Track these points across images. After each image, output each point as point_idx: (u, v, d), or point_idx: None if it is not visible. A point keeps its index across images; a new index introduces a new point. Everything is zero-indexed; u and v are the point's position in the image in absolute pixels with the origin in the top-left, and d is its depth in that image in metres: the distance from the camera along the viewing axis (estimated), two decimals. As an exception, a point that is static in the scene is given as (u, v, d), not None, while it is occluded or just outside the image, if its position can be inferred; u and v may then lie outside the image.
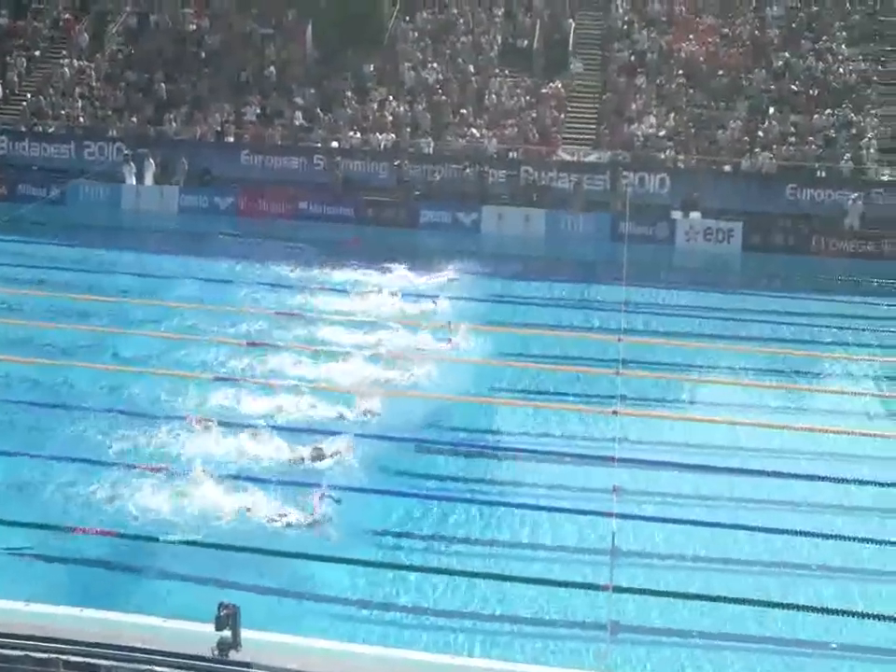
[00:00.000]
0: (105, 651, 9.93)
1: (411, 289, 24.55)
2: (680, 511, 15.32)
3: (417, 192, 32.07)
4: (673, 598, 13.20)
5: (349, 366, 19.50)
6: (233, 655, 9.94)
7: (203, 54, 37.08)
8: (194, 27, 38.12)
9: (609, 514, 13.93)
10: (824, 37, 35.72)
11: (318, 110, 34.57)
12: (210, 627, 10.00)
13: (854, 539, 14.63)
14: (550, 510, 15.07)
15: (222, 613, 9.94)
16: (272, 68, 36.02)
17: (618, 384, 18.71)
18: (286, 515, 14.02)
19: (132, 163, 32.61)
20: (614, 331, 21.89)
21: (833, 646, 12.58)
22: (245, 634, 10.11)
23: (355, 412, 17.59)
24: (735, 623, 12.85)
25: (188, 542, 13.43)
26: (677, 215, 30.43)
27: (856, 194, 30.42)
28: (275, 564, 13.30)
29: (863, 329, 23.88)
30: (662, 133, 33.05)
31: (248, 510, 14.13)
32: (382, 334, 21.27)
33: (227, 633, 9.96)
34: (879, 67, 34.70)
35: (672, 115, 33.55)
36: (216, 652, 9.92)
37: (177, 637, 10.26)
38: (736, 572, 13.96)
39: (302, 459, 15.70)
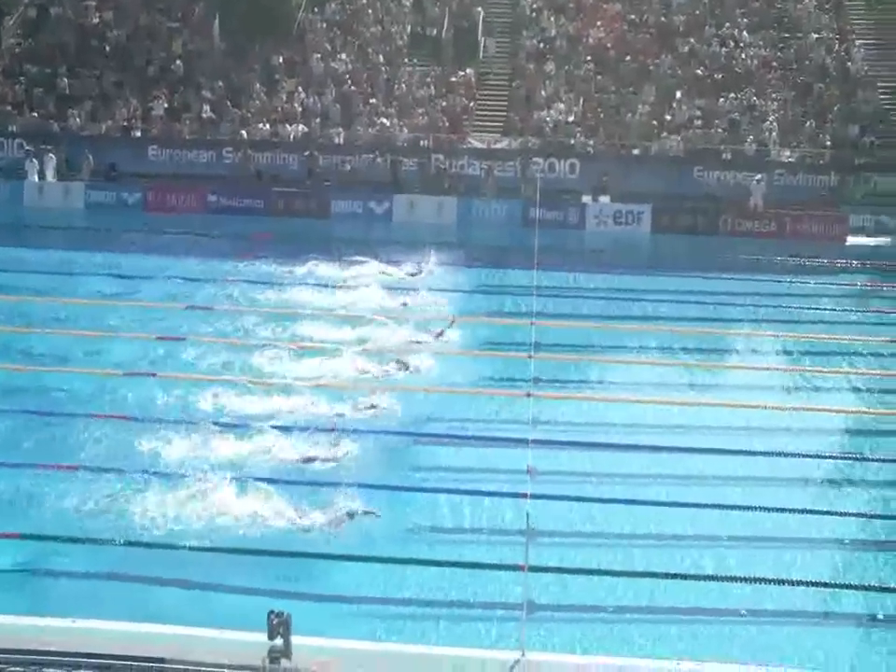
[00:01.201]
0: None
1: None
2: (594, 489, 15.51)
3: (328, 182, 31.95)
4: (589, 575, 13.38)
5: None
6: (285, 664, 9.70)
7: (108, 48, 36.39)
8: (97, 20, 37.35)
9: (524, 495, 13.97)
10: (727, 24, 36.42)
11: (227, 103, 34.19)
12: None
13: (760, 509, 14.97)
14: (466, 493, 15.12)
15: (274, 622, 9.71)
16: (178, 62, 35.50)
17: (531, 367, 18.90)
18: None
19: (34, 160, 31.90)
20: (526, 315, 22.11)
21: (743, 612, 12.87)
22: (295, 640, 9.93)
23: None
24: (650, 596, 13.06)
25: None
26: (587, 199, 30.78)
27: (759, 175, 31.09)
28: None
29: (769, 306, 24.42)
30: (571, 119, 33.39)
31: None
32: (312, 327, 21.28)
33: (279, 641, 9.72)
34: (778, 53, 35.50)
35: (581, 101, 33.89)
36: (267, 662, 9.68)
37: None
38: (652, 546, 14.17)
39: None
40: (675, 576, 13.37)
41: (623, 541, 14.26)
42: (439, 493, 15.15)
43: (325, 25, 36.89)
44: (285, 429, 16.42)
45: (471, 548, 13.89)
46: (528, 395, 18.07)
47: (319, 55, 35.58)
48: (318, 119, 33.62)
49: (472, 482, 15.58)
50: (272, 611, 9.86)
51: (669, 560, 13.75)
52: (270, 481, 14.65)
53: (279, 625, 9.72)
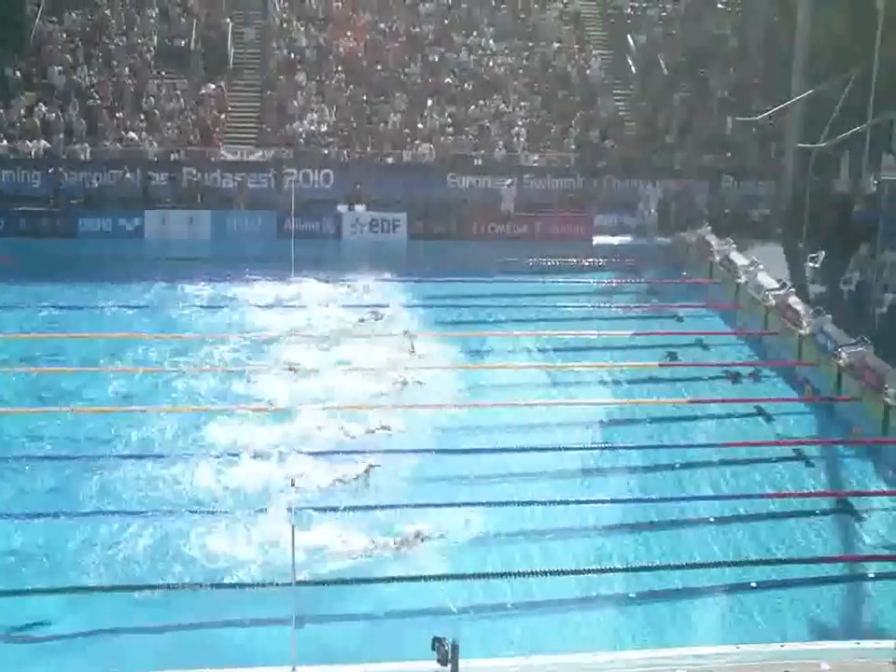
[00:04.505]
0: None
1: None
2: (356, 498, 15.60)
3: (75, 201, 30.67)
4: (357, 584, 13.45)
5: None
6: None
7: None
8: None
9: (289, 508, 13.88)
10: (474, 33, 37.40)
11: (-42, 118, 32.26)
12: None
13: (532, 502, 15.50)
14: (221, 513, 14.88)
15: (445, 648, 9.56)
16: None
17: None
18: None
19: None
20: (276, 328, 22.37)
21: (509, 606, 13.26)
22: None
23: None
24: (428, 599, 13.23)
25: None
26: (342, 208, 30.81)
27: (510, 180, 32.08)
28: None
29: (524, 306, 25.27)
30: (324, 129, 33.41)
31: None
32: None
33: (448, 668, 9.60)
34: (524, 61, 36.77)
35: (333, 110, 33.98)
36: None
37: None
38: (419, 550, 14.38)
39: None
40: (444, 577, 13.66)
41: (391, 547, 14.39)
42: (198, 513, 14.86)
43: (65, 36, 35.37)
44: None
45: (239, 567, 13.69)
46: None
47: (60, 67, 34.07)
48: (62, 135, 32.21)
49: (235, 499, 15.41)
50: (436, 638, 9.74)
51: (438, 561, 14.02)
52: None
53: (447, 651, 9.65)
